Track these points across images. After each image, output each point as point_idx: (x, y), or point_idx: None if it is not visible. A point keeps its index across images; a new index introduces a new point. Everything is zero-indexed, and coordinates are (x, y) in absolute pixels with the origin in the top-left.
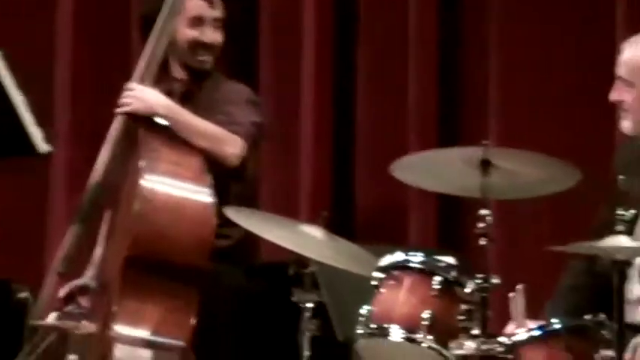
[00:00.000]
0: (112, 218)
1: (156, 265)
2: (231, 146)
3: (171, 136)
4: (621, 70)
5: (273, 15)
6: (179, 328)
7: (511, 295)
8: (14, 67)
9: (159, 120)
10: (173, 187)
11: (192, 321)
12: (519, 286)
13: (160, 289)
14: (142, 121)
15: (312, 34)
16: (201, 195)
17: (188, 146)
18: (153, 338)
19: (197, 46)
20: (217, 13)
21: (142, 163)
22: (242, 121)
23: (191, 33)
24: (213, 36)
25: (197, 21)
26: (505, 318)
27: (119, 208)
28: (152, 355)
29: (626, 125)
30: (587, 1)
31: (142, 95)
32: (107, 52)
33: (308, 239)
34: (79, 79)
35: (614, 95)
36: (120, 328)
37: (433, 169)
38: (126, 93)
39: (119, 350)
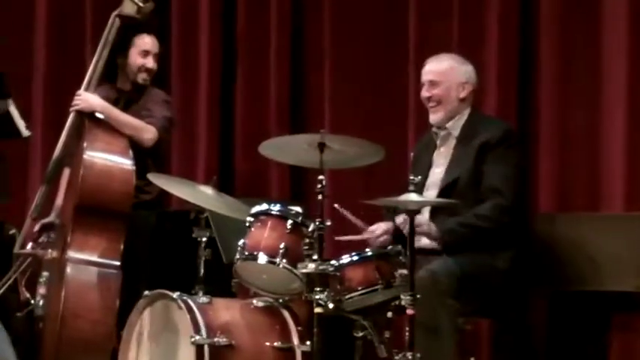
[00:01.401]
0: (68, 179)
1: (95, 210)
2: (148, 133)
3: (106, 126)
4: (429, 76)
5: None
6: (113, 252)
7: (336, 206)
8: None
9: (98, 115)
10: (105, 159)
11: (121, 247)
12: (336, 205)
13: (99, 226)
14: (86, 116)
15: (207, 52)
16: (125, 164)
17: (118, 133)
18: (95, 259)
19: (143, 70)
20: (156, 49)
21: (84, 144)
22: (157, 115)
23: (141, 61)
24: (153, 64)
25: (145, 53)
26: (334, 248)
27: (72, 172)
28: (97, 271)
29: (438, 117)
30: (389, 18)
31: (86, 98)
32: (67, 67)
33: (203, 195)
34: (48, 85)
35: (425, 93)
36: (72, 253)
37: (286, 148)
38: (76, 97)
39: (72, 268)
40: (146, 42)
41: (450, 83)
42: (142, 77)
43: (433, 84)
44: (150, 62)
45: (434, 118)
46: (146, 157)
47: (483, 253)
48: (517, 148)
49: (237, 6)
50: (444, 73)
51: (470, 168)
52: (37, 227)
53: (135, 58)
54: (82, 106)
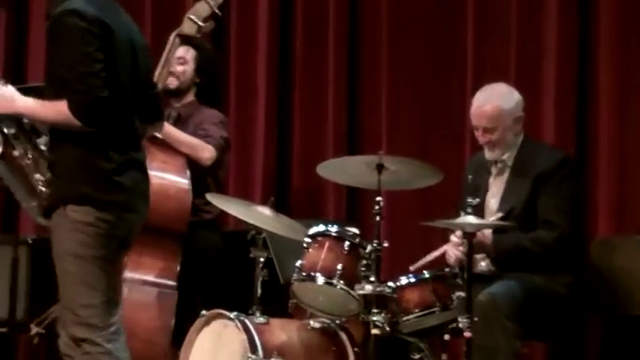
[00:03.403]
0: None
1: (151, 229)
2: (206, 152)
3: (164, 144)
4: (482, 121)
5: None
6: (169, 272)
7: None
8: None
9: (156, 134)
10: (162, 177)
11: (178, 267)
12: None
13: (154, 245)
14: None
15: (264, 72)
16: (181, 183)
17: (175, 151)
18: (151, 279)
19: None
20: (182, 54)
21: None
22: (214, 135)
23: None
24: (174, 67)
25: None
26: (391, 269)
27: None
28: (152, 291)
29: (495, 155)
30: (446, 38)
31: None
32: None
33: (261, 215)
34: None
35: (482, 140)
36: (128, 273)
37: (344, 169)
38: None
39: (127, 288)
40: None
41: (506, 125)
42: (169, 82)
43: (488, 130)
44: (172, 66)
45: (492, 155)
46: (205, 177)
47: (542, 277)
48: (572, 178)
49: (294, 27)
50: (498, 117)
51: (524, 199)
52: None
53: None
54: None
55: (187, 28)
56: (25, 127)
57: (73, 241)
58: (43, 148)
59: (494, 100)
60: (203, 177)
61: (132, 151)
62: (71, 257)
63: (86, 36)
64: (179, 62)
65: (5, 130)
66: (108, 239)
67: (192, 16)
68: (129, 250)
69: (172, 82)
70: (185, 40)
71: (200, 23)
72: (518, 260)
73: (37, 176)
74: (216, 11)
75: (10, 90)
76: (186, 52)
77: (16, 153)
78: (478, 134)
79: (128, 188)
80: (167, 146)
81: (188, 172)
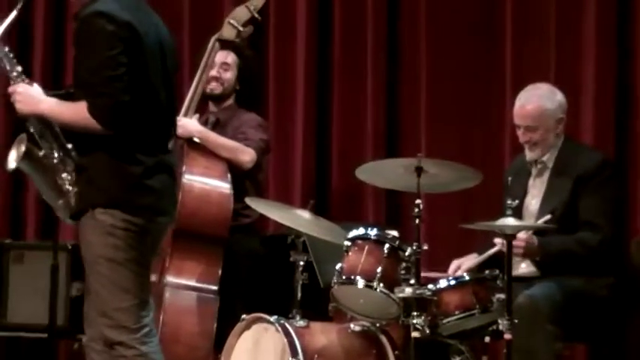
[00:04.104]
0: None
1: (193, 234)
2: (246, 155)
3: (205, 150)
4: (525, 121)
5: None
6: (211, 277)
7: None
8: None
9: (195, 139)
10: (203, 183)
11: (219, 272)
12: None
13: (197, 250)
14: (184, 140)
15: (303, 74)
16: (223, 188)
17: (216, 156)
18: (193, 283)
19: (210, 80)
20: (225, 59)
21: (183, 168)
22: (254, 138)
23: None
24: (217, 72)
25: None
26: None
27: None
28: (195, 295)
29: (536, 154)
30: (485, 39)
31: (184, 124)
32: None
33: (300, 219)
34: None
35: (523, 138)
36: (170, 278)
37: (383, 172)
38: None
39: (170, 293)
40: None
41: (548, 126)
42: (210, 87)
43: (530, 129)
44: (214, 71)
45: (532, 155)
46: (244, 181)
47: (582, 280)
48: (613, 179)
49: (333, 29)
50: (540, 117)
51: (565, 201)
52: None
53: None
54: (180, 132)
55: (227, 32)
56: (52, 126)
57: (104, 245)
58: (69, 146)
59: (538, 99)
60: (242, 181)
61: (161, 154)
62: (103, 260)
63: (111, 39)
64: (223, 68)
65: (31, 129)
66: (139, 242)
67: (231, 21)
68: (159, 251)
69: (217, 88)
70: (225, 44)
71: (240, 28)
72: (562, 263)
73: (64, 175)
74: (256, 15)
75: (35, 89)
76: (230, 58)
77: (41, 152)
78: (519, 133)
79: (157, 191)
80: (208, 151)
81: (229, 177)
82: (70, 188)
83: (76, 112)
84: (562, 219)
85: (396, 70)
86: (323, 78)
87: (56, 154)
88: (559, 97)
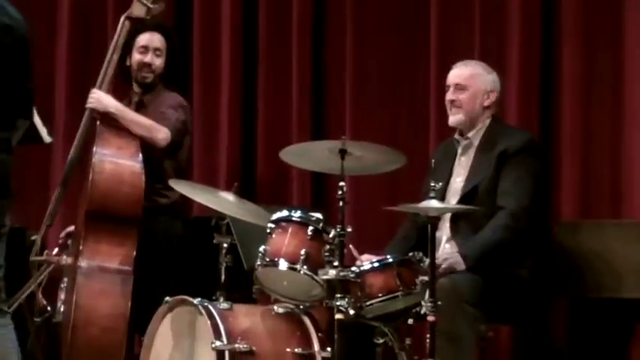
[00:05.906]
0: (82, 184)
1: (106, 215)
2: (160, 133)
3: (117, 129)
4: (456, 79)
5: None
6: (125, 258)
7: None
8: None
9: (111, 111)
10: (116, 162)
11: (134, 252)
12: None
13: (110, 231)
14: (98, 118)
15: (228, 58)
16: (135, 167)
17: (129, 136)
18: (106, 265)
19: (142, 66)
20: (157, 45)
21: (94, 147)
22: (171, 118)
23: (139, 57)
24: (151, 59)
25: (143, 49)
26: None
27: (85, 177)
28: (108, 277)
29: (457, 118)
30: (410, 22)
31: (99, 97)
32: (90, 72)
33: (225, 201)
34: (70, 90)
35: (450, 96)
36: (83, 260)
37: (307, 155)
38: (90, 96)
39: (83, 275)
40: (143, 38)
41: (477, 90)
42: (142, 74)
43: (459, 88)
44: (148, 57)
45: (453, 119)
46: (163, 160)
47: (505, 262)
48: (537, 158)
49: (258, 13)
50: (472, 78)
51: (489, 176)
52: (62, 234)
53: (135, 57)
54: (95, 105)
55: (137, 10)
56: None
57: None
58: None
59: (475, 65)
60: (160, 161)
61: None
62: None
63: None
64: (156, 54)
65: None
66: None
67: None
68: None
69: (149, 77)
70: (135, 22)
71: (149, 5)
72: (495, 255)
73: None
74: None
75: None
76: (162, 43)
77: None
78: (448, 93)
79: None
80: (121, 131)
81: (140, 156)
82: None
83: None
84: (485, 194)
85: (320, 52)
86: (248, 61)
87: None
88: (495, 75)
